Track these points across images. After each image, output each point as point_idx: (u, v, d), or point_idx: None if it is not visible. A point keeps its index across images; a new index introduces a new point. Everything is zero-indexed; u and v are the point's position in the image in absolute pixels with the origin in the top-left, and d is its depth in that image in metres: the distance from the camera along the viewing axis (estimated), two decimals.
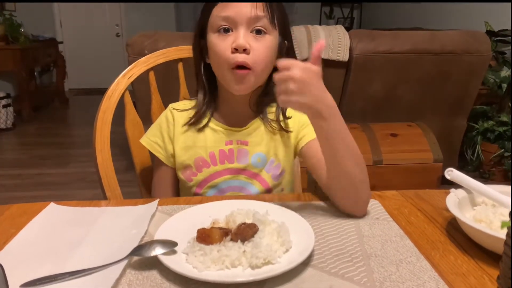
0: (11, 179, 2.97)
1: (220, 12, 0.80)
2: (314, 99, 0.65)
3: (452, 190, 0.69)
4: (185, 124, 0.90)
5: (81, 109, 5.49)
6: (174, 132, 0.91)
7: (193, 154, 0.89)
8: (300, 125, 0.90)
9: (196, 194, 0.91)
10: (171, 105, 0.94)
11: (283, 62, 0.63)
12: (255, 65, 0.80)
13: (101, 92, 0.97)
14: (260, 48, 0.80)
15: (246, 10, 0.79)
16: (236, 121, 0.90)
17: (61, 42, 6.01)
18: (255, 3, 0.79)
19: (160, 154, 0.92)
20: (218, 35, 0.81)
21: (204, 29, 0.85)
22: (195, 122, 0.90)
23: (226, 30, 0.80)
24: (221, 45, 0.80)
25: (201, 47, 0.88)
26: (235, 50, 0.79)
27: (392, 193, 0.82)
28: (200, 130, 0.90)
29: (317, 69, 0.65)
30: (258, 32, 0.81)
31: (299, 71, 0.62)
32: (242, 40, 0.78)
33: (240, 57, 0.79)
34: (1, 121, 4.14)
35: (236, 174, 0.89)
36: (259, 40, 0.80)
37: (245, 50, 0.79)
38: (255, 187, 0.90)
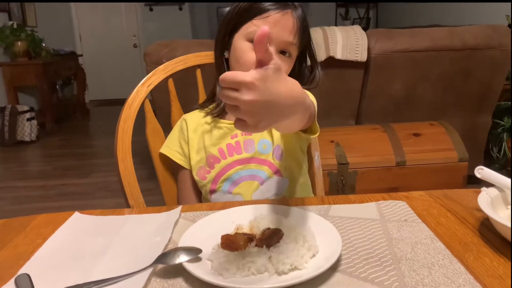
0: (36, 191, 3.03)
1: (261, 25, 0.82)
2: (274, 117, 0.51)
3: (484, 189, 0.66)
4: (207, 115, 0.96)
5: (102, 119, 5.59)
6: (188, 137, 0.97)
7: (205, 154, 0.95)
8: None
9: (212, 191, 0.95)
10: (183, 115, 1.01)
11: (228, 78, 0.45)
12: None
13: (121, 102, 0.98)
14: (283, 67, 0.83)
15: (285, 34, 0.83)
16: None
17: (81, 55, 6.15)
18: (295, 29, 0.84)
19: (181, 161, 0.97)
20: (250, 45, 0.85)
21: (234, 29, 0.88)
22: (217, 112, 0.95)
23: None
24: (250, 56, 0.85)
25: (224, 44, 0.91)
26: None
27: (419, 193, 0.80)
28: (208, 131, 0.95)
29: (268, 73, 0.47)
30: (284, 53, 0.86)
31: (248, 94, 0.45)
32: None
33: None
34: (26, 134, 4.25)
35: (245, 163, 0.93)
36: (284, 60, 0.86)
37: None
38: (265, 172, 0.94)
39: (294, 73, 0.94)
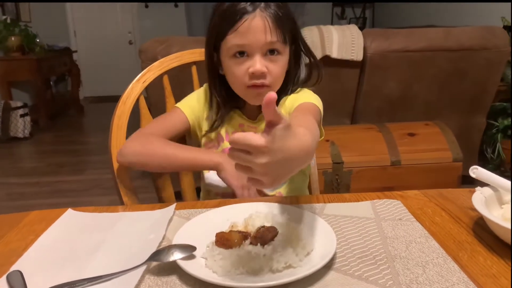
0: (29, 187, 3.01)
1: (236, 40, 0.82)
2: (288, 172, 0.51)
3: (478, 189, 0.66)
4: (206, 133, 0.96)
5: (96, 116, 5.56)
6: (204, 109, 0.97)
7: (216, 131, 0.96)
8: (291, 104, 0.93)
9: None
10: (206, 85, 0.98)
11: (239, 141, 0.45)
12: (271, 84, 0.85)
13: (116, 99, 0.97)
14: (275, 68, 0.85)
15: (261, 37, 0.81)
16: (249, 114, 0.97)
17: (75, 51, 6.10)
18: (268, 28, 0.81)
19: (188, 113, 0.95)
20: (235, 60, 0.84)
21: (216, 47, 0.87)
22: (215, 129, 0.96)
23: (242, 54, 0.83)
24: (237, 70, 0.84)
25: (214, 60, 0.90)
26: (252, 75, 0.82)
27: (415, 192, 0.80)
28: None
29: (279, 133, 0.46)
30: (272, 52, 0.84)
31: (262, 157, 0.45)
32: (259, 66, 0.82)
33: (258, 81, 0.83)
34: (19, 131, 4.21)
35: None
36: (274, 61, 0.84)
37: (262, 74, 0.82)
38: None
39: (292, 70, 0.92)
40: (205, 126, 0.97)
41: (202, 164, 0.90)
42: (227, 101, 0.93)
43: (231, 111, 0.95)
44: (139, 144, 0.89)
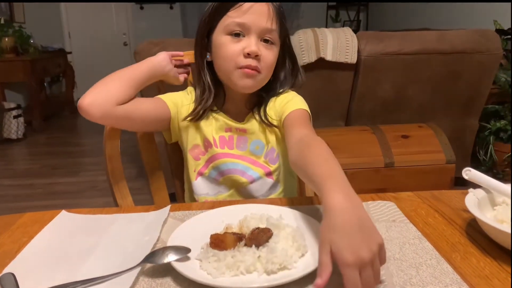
0: (23, 189, 2.99)
1: (237, 17, 0.83)
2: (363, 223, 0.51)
3: (471, 190, 0.67)
4: (186, 117, 0.92)
5: None
6: (189, 109, 0.93)
7: (202, 135, 0.93)
8: (281, 108, 0.91)
9: (200, 173, 0.94)
10: (191, 87, 0.97)
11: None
12: (263, 70, 0.85)
13: None
14: (268, 55, 0.85)
15: (262, 21, 0.83)
16: (235, 117, 0.94)
17: (70, 53, 6.07)
18: (270, 15, 0.83)
19: (169, 102, 0.92)
20: (231, 38, 0.84)
21: (211, 29, 0.87)
22: (195, 118, 0.92)
23: (238, 35, 0.84)
24: (232, 48, 0.84)
25: (203, 45, 0.90)
26: (248, 55, 0.83)
27: (408, 194, 0.80)
28: (205, 117, 0.93)
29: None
30: (266, 41, 0.85)
31: (368, 270, 0.48)
32: (255, 47, 0.82)
33: (252, 62, 0.83)
34: (12, 132, 4.18)
35: (237, 159, 0.93)
36: (268, 48, 0.85)
37: (256, 56, 0.83)
38: (257, 173, 0.93)
39: (278, 70, 0.92)
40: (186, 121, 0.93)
41: (153, 65, 0.92)
42: (211, 86, 0.91)
43: (215, 106, 0.93)
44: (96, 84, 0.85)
